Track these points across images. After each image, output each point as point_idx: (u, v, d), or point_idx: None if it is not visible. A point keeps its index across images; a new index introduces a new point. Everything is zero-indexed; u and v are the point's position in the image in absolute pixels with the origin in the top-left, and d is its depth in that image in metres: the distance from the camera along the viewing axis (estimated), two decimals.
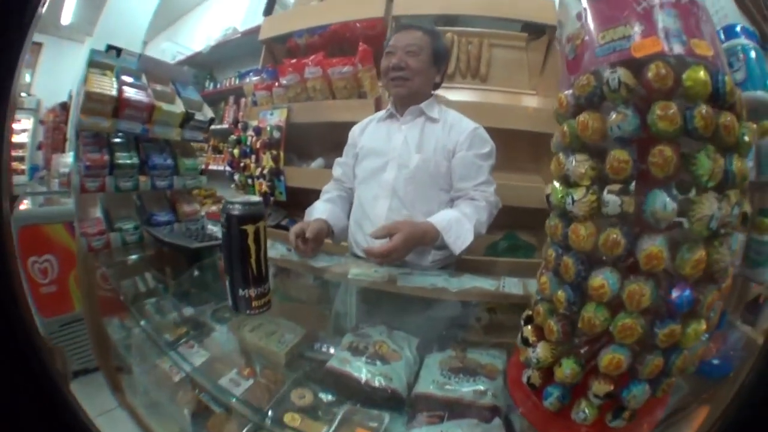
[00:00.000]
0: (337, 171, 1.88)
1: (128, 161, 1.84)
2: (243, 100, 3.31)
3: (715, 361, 0.91)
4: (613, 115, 0.71)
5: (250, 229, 0.96)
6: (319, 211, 1.67)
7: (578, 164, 0.75)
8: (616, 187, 0.70)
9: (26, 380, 0.71)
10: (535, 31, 2.60)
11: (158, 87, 1.93)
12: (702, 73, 0.66)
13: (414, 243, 1.39)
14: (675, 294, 0.69)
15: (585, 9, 0.79)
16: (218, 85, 4.16)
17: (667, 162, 0.66)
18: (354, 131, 1.88)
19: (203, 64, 4.23)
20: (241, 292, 1.00)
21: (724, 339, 0.97)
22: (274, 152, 2.62)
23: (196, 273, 1.67)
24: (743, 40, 1.00)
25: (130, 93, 1.80)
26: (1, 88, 0.61)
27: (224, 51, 3.87)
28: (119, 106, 1.75)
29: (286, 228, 2.63)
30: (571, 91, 0.79)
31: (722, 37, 1.00)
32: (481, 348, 1.14)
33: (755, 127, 0.83)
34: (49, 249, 2.20)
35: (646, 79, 0.68)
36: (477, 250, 2.27)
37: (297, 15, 3.02)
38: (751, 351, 0.86)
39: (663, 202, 0.66)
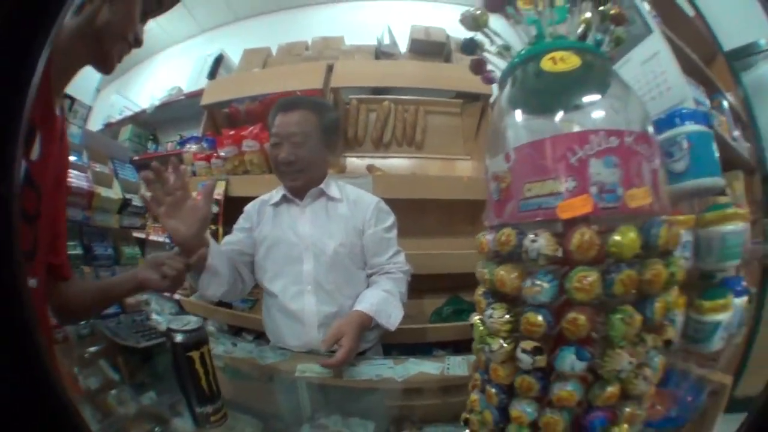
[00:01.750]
0: (231, 245, 1.65)
1: (72, 251, 1.80)
2: (182, 167, 3.26)
3: (673, 413, 0.93)
4: (529, 284, 0.69)
5: (195, 355, 0.96)
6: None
7: (494, 320, 0.75)
8: (530, 345, 0.71)
9: None
10: (469, 96, 2.72)
11: (98, 167, 1.91)
12: (631, 235, 0.65)
13: (359, 338, 1.37)
14: (588, 419, 0.72)
15: (511, 152, 0.75)
16: (159, 148, 4.10)
17: (580, 328, 0.66)
18: (249, 212, 1.74)
19: (147, 123, 4.15)
20: (198, 410, 1.00)
21: (675, 393, 0.96)
22: (213, 227, 2.53)
23: (150, 364, 1.63)
24: (688, 127, 0.93)
25: (71, 178, 1.76)
26: None
27: (168, 112, 3.81)
28: None
29: (229, 306, 2.54)
30: (492, 237, 0.77)
31: (664, 125, 0.95)
32: (437, 425, 1.20)
33: (690, 227, 0.90)
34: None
35: (568, 249, 0.66)
36: (422, 317, 2.30)
37: (238, 82, 3.06)
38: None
39: (571, 363, 0.68)
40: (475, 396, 0.88)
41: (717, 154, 0.94)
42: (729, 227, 0.93)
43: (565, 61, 0.79)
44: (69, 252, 1.71)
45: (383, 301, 1.50)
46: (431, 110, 2.74)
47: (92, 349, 1.75)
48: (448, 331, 2.26)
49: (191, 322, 0.99)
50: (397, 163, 2.62)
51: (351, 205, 1.65)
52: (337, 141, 1.72)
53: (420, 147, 2.68)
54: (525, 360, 0.70)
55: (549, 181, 0.68)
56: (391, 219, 1.67)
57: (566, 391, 0.69)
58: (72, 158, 1.82)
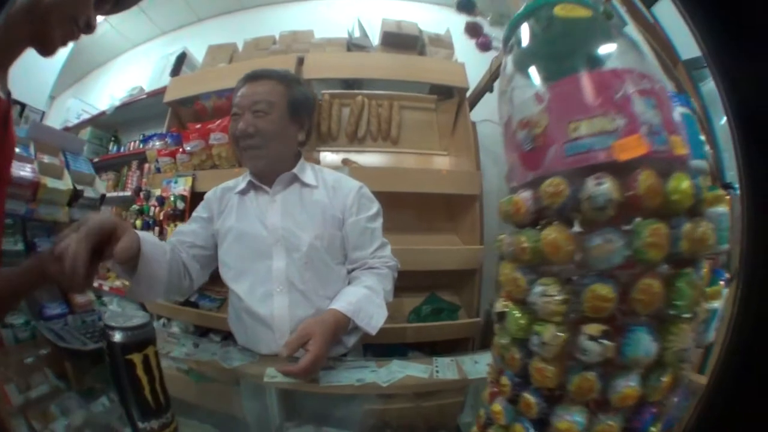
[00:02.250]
0: (182, 236, 1.43)
1: (13, 247, 1.60)
2: (146, 165, 3.15)
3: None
4: (598, 242, 0.55)
5: (137, 359, 0.79)
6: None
7: (549, 300, 0.59)
8: (598, 329, 0.56)
9: None
10: (444, 93, 2.67)
11: (46, 159, 1.75)
12: (687, 184, 0.55)
13: (331, 342, 1.18)
14: (641, 419, 0.61)
15: (543, 91, 0.64)
16: (122, 149, 3.96)
17: (654, 298, 0.55)
18: (210, 200, 1.50)
19: (107, 125, 4.02)
20: (141, 425, 0.83)
21: None
22: (179, 224, 2.41)
23: (101, 367, 1.45)
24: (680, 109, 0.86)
25: (13, 168, 1.59)
26: None
27: (129, 112, 3.70)
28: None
29: (195, 305, 2.45)
30: (529, 194, 0.63)
31: None
32: None
33: None
34: None
35: (636, 194, 0.54)
36: (400, 316, 2.22)
37: (204, 77, 2.94)
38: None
39: (647, 347, 0.56)
40: (498, 407, 0.71)
41: (702, 137, 0.92)
42: (722, 209, 0.86)
43: (577, 11, 0.71)
44: (10, 248, 1.59)
45: (364, 300, 1.30)
46: (406, 105, 2.67)
47: (29, 359, 1.60)
48: (428, 332, 2.21)
49: (135, 317, 0.83)
50: (372, 158, 2.53)
51: (329, 191, 1.44)
52: (308, 120, 1.47)
53: (396, 142, 2.61)
54: (592, 350, 0.56)
55: (598, 118, 0.57)
56: (375, 207, 1.47)
57: (630, 387, 0.57)
58: (16, 149, 1.68)
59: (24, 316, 1.62)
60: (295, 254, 1.35)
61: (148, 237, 1.12)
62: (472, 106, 2.57)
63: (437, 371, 1.20)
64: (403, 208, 2.29)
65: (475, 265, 2.30)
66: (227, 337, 1.72)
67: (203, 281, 1.45)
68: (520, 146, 0.66)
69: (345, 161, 2.32)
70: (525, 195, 0.64)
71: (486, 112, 2.57)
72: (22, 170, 1.62)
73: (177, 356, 1.32)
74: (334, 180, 1.48)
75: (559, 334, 0.58)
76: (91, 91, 4.44)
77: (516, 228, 0.66)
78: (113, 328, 0.79)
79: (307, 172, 1.45)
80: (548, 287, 0.59)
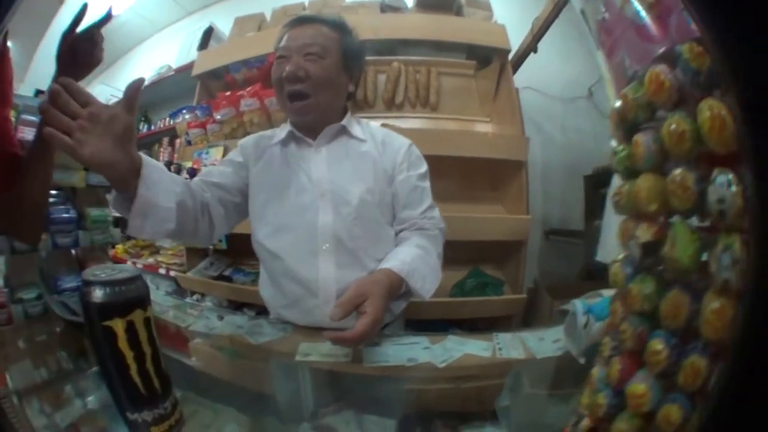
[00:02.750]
0: (208, 175, 1.29)
1: None
2: (177, 140, 3.10)
3: None
4: None
5: (118, 326, 0.60)
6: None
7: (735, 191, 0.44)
8: None
9: None
10: (483, 59, 2.53)
11: None
12: None
13: (387, 301, 1.03)
14: None
15: None
16: (152, 127, 3.93)
17: None
18: (246, 146, 1.36)
19: (138, 106, 3.99)
20: (131, 416, 0.65)
21: None
22: None
23: None
24: None
25: (25, 133, 1.46)
26: None
27: (158, 90, 3.64)
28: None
29: (229, 279, 2.39)
30: (665, 67, 0.52)
31: None
32: (477, 422, 0.93)
33: None
34: None
35: None
36: (441, 291, 2.11)
37: (232, 47, 2.86)
38: None
39: None
40: (641, 388, 0.56)
41: None
42: None
43: None
44: None
45: (418, 260, 1.17)
46: (444, 71, 2.52)
47: (41, 336, 1.50)
48: (472, 307, 2.11)
49: (123, 270, 0.64)
50: (411, 123, 2.41)
51: (378, 146, 1.33)
52: (358, 71, 1.35)
53: (435, 108, 2.48)
54: None
55: None
56: (425, 166, 1.37)
57: None
58: (30, 118, 1.57)
59: (37, 290, 1.56)
60: (344, 209, 1.22)
61: (153, 162, 0.95)
62: (515, 70, 2.42)
63: (500, 349, 1.06)
64: (445, 175, 2.15)
65: (522, 236, 2.18)
66: (261, 312, 1.62)
67: (226, 231, 1.32)
68: (632, 20, 0.59)
69: (384, 126, 2.20)
70: (661, 67, 0.51)
71: (528, 79, 2.43)
72: (31, 135, 1.53)
73: (196, 330, 1.21)
74: (383, 135, 1.37)
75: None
76: (119, 77, 4.41)
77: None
78: (89, 283, 0.61)
79: (354, 125, 1.34)
80: (730, 175, 0.44)
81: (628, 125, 0.63)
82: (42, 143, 1.00)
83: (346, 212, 1.22)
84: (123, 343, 0.62)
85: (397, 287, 1.09)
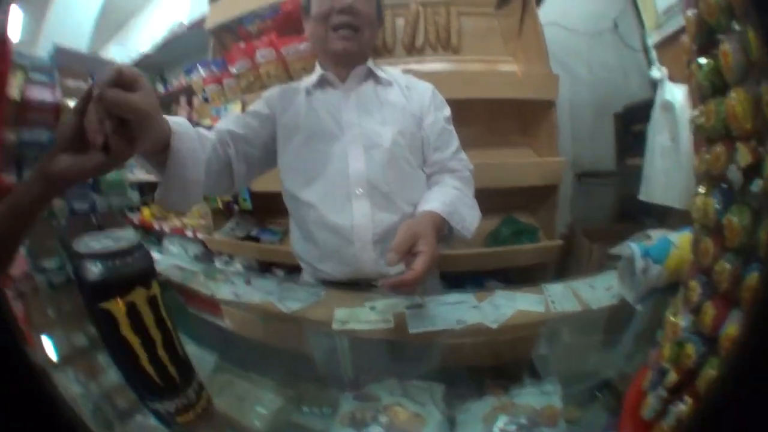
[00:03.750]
0: (232, 124, 1.25)
1: None
2: (195, 98, 3.06)
3: None
4: None
5: (116, 308, 0.51)
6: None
7: None
8: None
9: None
10: None
11: (70, 82, 1.60)
12: None
13: (436, 241, 1.00)
14: None
15: None
16: (169, 87, 3.88)
17: None
18: (272, 97, 1.35)
19: (152, 66, 3.94)
20: (152, 405, 0.59)
21: None
22: None
23: None
24: None
25: (33, 92, 1.44)
26: None
27: (172, 48, 3.58)
28: (21, 110, 1.40)
29: (256, 239, 2.36)
30: None
31: None
32: (527, 384, 0.86)
33: None
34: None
35: None
36: (476, 241, 2.06)
37: None
38: None
39: None
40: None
41: None
42: None
43: None
44: None
45: (456, 201, 1.17)
46: (464, 11, 2.40)
47: (68, 306, 1.44)
48: (508, 256, 2.06)
49: (120, 239, 0.56)
50: (434, 66, 2.31)
51: (404, 90, 1.34)
52: (381, 25, 1.45)
53: (457, 50, 2.36)
54: None
55: None
56: (448, 110, 1.37)
57: None
58: (39, 77, 1.52)
59: (58, 258, 1.49)
60: (376, 152, 1.23)
61: (184, 129, 0.89)
62: (538, 3, 2.29)
63: (553, 302, 1.00)
64: (471, 120, 2.08)
65: (555, 180, 2.10)
66: (292, 270, 1.59)
67: (245, 185, 1.39)
68: None
69: (406, 71, 2.12)
70: None
71: (551, 14, 2.29)
72: (43, 95, 1.47)
73: (222, 298, 1.16)
74: (406, 80, 1.39)
75: None
76: (131, 38, 4.38)
77: None
78: (81, 257, 0.52)
79: (378, 69, 1.36)
80: None
81: (705, 35, 0.57)
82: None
83: (378, 156, 1.23)
84: (126, 329, 0.53)
85: (440, 228, 1.09)
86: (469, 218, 1.17)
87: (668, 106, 1.42)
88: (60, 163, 0.65)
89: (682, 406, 0.57)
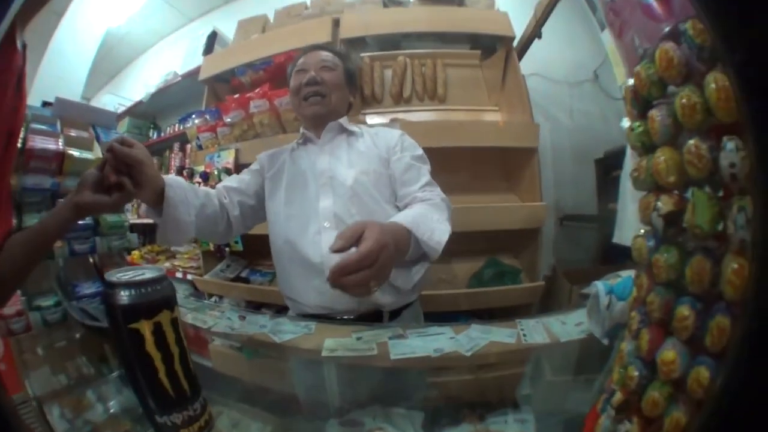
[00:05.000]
0: (229, 181, 1.50)
1: None
2: (188, 145, 3.12)
3: None
4: None
5: (145, 328, 0.59)
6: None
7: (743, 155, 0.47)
8: None
9: None
10: (487, 48, 2.52)
11: (73, 133, 1.65)
12: None
13: (391, 241, 0.93)
14: None
15: None
16: (162, 134, 3.94)
17: None
18: (262, 158, 1.55)
19: (145, 114, 4.01)
20: (159, 419, 0.64)
21: None
22: None
23: None
24: None
25: (36, 141, 1.49)
26: None
27: (165, 97, 3.67)
28: (25, 157, 1.45)
29: (246, 280, 2.42)
30: (672, 44, 0.55)
31: None
32: (501, 411, 0.93)
33: None
34: None
35: None
36: (458, 282, 2.11)
37: (237, 50, 2.85)
38: None
39: None
40: (672, 354, 0.58)
41: None
42: None
43: None
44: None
45: (421, 216, 1.15)
46: (450, 63, 2.52)
47: (60, 343, 1.47)
48: (490, 297, 2.09)
49: (147, 271, 0.63)
50: (421, 116, 2.40)
51: (373, 137, 1.49)
52: (355, 89, 1.61)
53: (443, 100, 2.47)
54: None
55: None
56: (419, 150, 1.45)
57: None
58: (42, 127, 1.56)
59: (54, 297, 1.55)
60: (341, 190, 1.36)
61: (175, 181, 1.15)
62: (520, 57, 2.41)
63: (524, 335, 1.05)
64: (457, 167, 2.17)
65: (537, 223, 2.16)
66: (280, 311, 1.64)
67: (242, 231, 1.49)
68: (640, 2, 0.62)
69: (393, 120, 2.21)
70: (668, 44, 0.54)
71: (533, 65, 2.42)
72: (46, 143, 1.53)
73: (220, 331, 1.22)
74: (376, 130, 1.54)
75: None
76: (125, 86, 4.45)
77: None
78: (113, 285, 0.59)
79: (351, 125, 1.52)
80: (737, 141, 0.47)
81: (641, 102, 0.65)
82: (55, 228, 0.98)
83: (342, 192, 1.35)
84: (150, 346, 0.61)
85: (403, 239, 1.05)
86: (437, 231, 1.12)
87: None
88: (86, 197, 0.91)
89: (629, 425, 0.64)
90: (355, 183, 1.35)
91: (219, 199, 1.36)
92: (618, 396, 0.68)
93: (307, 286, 1.33)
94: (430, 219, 1.15)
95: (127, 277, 0.61)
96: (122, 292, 0.60)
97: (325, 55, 1.48)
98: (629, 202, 1.51)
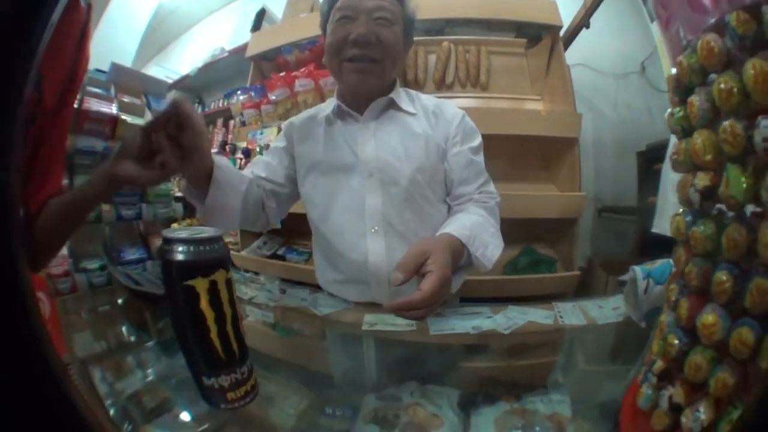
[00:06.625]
0: (257, 168, 1.28)
1: None
2: (232, 121, 3.17)
3: None
4: None
5: (200, 285, 0.58)
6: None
7: None
8: None
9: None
10: (532, 37, 2.50)
11: (126, 99, 1.69)
12: None
13: (452, 267, 0.90)
14: None
15: None
16: (207, 109, 4.01)
17: None
18: (290, 127, 1.32)
19: (191, 88, 4.07)
20: (207, 381, 0.64)
21: None
22: None
23: None
24: None
25: (91, 104, 1.53)
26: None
27: (212, 72, 3.71)
28: (80, 119, 1.50)
29: (282, 258, 2.45)
30: (715, 35, 0.57)
31: None
32: (537, 392, 0.93)
33: None
34: (38, 285, 1.93)
35: None
36: (495, 269, 2.12)
37: (285, 28, 2.86)
38: None
39: None
40: (712, 317, 0.60)
41: None
42: None
43: None
44: None
45: (478, 226, 1.07)
46: (494, 50, 2.49)
47: (104, 306, 1.57)
48: (525, 285, 2.11)
49: (203, 231, 0.62)
50: (462, 103, 2.35)
51: (430, 118, 1.24)
52: (411, 45, 1.28)
53: (485, 88, 2.45)
54: None
55: None
56: (479, 138, 1.28)
57: None
58: (97, 90, 1.62)
59: (100, 260, 1.59)
60: (393, 189, 1.18)
61: (224, 163, 1.00)
62: (566, 46, 2.38)
63: (561, 316, 1.07)
64: (496, 154, 2.15)
65: (575, 213, 2.16)
66: (316, 290, 1.66)
67: (280, 217, 1.32)
68: None
69: None
70: (711, 35, 0.57)
71: (579, 56, 2.39)
72: (101, 106, 1.58)
73: (262, 301, 1.25)
74: (434, 105, 1.28)
75: None
76: (173, 59, 4.51)
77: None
78: (171, 241, 0.58)
79: (403, 97, 1.26)
80: None
81: (683, 89, 0.68)
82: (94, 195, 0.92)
83: (395, 192, 1.18)
84: (205, 305, 0.60)
85: (459, 252, 1.00)
86: (491, 246, 1.07)
87: None
88: (124, 168, 0.80)
89: (672, 390, 0.66)
90: (410, 184, 1.18)
91: (257, 189, 1.20)
92: (659, 364, 0.71)
93: (348, 287, 1.25)
94: (486, 231, 1.09)
95: (185, 234, 0.60)
96: (180, 248, 0.58)
97: None
98: (669, 193, 1.50)
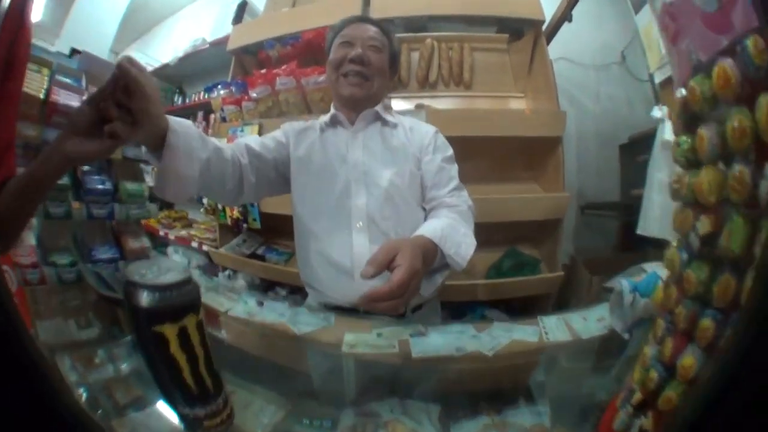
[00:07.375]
0: (251, 140, 1.34)
1: (59, 182, 1.42)
2: (212, 116, 3.11)
3: None
4: None
5: (170, 332, 0.57)
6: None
7: None
8: None
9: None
10: (514, 32, 2.48)
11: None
12: None
13: (422, 262, 0.94)
14: None
15: None
16: (187, 100, 3.94)
17: None
18: (290, 130, 1.43)
19: (171, 78, 4.01)
20: (183, 410, 0.65)
21: None
22: None
23: None
24: None
25: (60, 96, 1.47)
26: None
27: (193, 63, 3.65)
28: (48, 111, 1.44)
29: (262, 258, 2.43)
30: (731, 62, 0.54)
31: None
32: (518, 404, 0.94)
33: None
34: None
35: None
36: (477, 272, 2.11)
37: (267, 23, 2.83)
38: None
39: None
40: (690, 359, 0.62)
41: None
42: None
43: None
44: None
45: (448, 228, 1.14)
46: (477, 47, 2.47)
47: (74, 302, 1.49)
48: (508, 288, 2.10)
49: (170, 271, 0.60)
50: (445, 102, 2.38)
51: (407, 131, 1.42)
52: (395, 72, 1.53)
53: (468, 86, 2.43)
54: None
55: None
56: (450, 151, 1.43)
57: None
58: (66, 80, 1.56)
59: (70, 256, 1.55)
60: (375, 190, 1.32)
61: (182, 127, 0.96)
62: (548, 40, 2.37)
63: (546, 333, 1.07)
64: (479, 155, 2.15)
65: (559, 214, 2.15)
66: (294, 291, 1.64)
67: (252, 200, 1.49)
68: (700, 9, 0.59)
69: (419, 106, 2.20)
70: (727, 62, 0.54)
71: (560, 49, 2.38)
72: (70, 99, 1.51)
73: (238, 316, 1.22)
74: (411, 123, 1.47)
75: None
76: (153, 45, 4.42)
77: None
78: (136, 286, 0.57)
79: (386, 114, 1.44)
80: None
81: (689, 115, 0.65)
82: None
83: (377, 193, 1.31)
84: (175, 349, 0.59)
85: (431, 252, 1.05)
86: (463, 245, 1.13)
87: (668, 146, 1.48)
88: (74, 144, 0.78)
89: (644, 420, 0.68)
90: (390, 185, 1.32)
91: (235, 157, 1.23)
92: (638, 396, 0.72)
93: (332, 282, 1.31)
94: (456, 232, 1.16)
95: (151, 275, 0.59)
96: (145, 295, 0.57)
97: (374, 32, 1.38)
98: (655, 193, 1.50)
